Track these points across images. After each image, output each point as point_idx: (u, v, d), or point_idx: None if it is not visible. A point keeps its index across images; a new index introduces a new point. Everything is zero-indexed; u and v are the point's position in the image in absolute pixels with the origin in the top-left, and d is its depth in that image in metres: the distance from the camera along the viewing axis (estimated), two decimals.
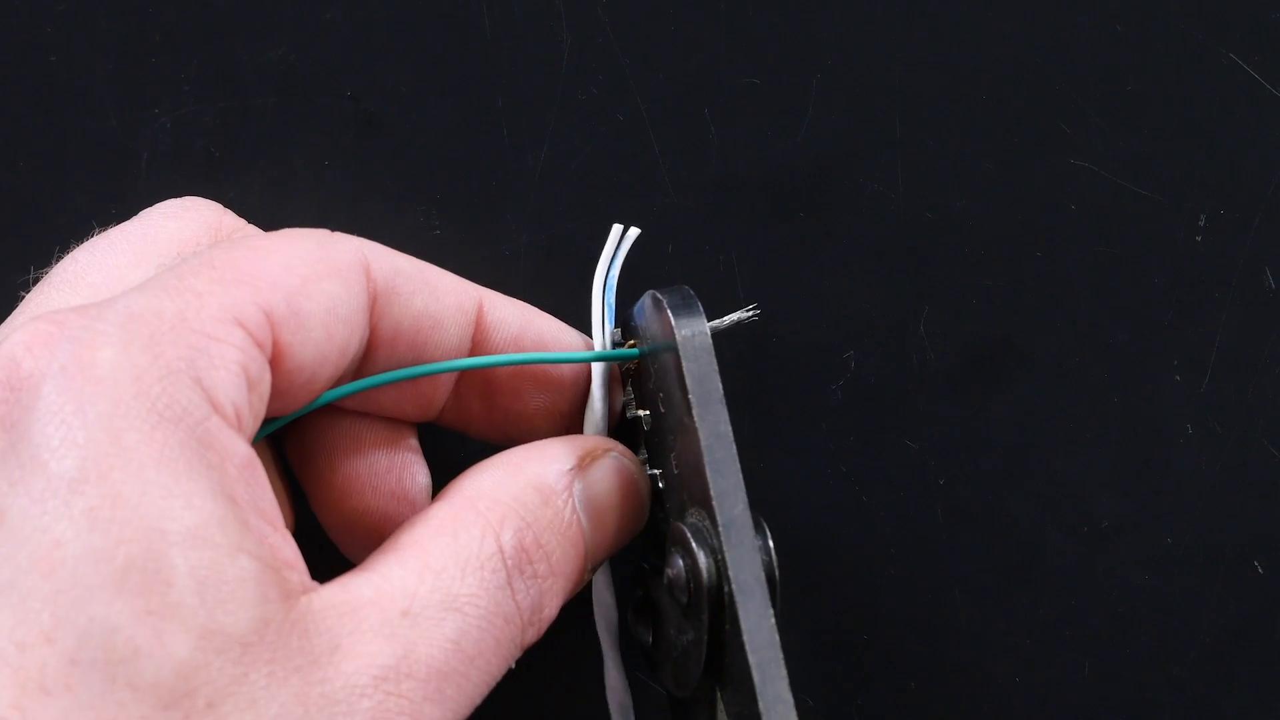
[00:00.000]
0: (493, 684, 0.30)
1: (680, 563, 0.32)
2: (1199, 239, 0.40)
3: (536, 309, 0.36)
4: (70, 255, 0.34)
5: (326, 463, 0.35)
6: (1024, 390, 0.40)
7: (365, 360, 0.33)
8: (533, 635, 0.32)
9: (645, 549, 0.36)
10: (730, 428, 0.32)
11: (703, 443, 0.32)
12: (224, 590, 0.27)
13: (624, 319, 0.36)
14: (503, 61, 0.40)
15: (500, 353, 0.35)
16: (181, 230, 0.34)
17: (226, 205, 0.36)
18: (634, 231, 0.36)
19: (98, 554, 0.26)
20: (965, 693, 0.40)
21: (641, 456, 0.35)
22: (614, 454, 0.34)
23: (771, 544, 0.32)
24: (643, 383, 0.35)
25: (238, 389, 0.29)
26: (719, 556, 0.31)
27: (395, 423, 0.36)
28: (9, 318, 0.33)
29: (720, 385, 0.32)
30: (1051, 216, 0.40)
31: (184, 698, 0.26)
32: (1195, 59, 0.39)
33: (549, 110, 0.40)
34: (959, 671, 0.40)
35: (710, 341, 0.32)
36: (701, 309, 0.33)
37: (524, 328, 0.35)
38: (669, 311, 0.33)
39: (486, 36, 0.40)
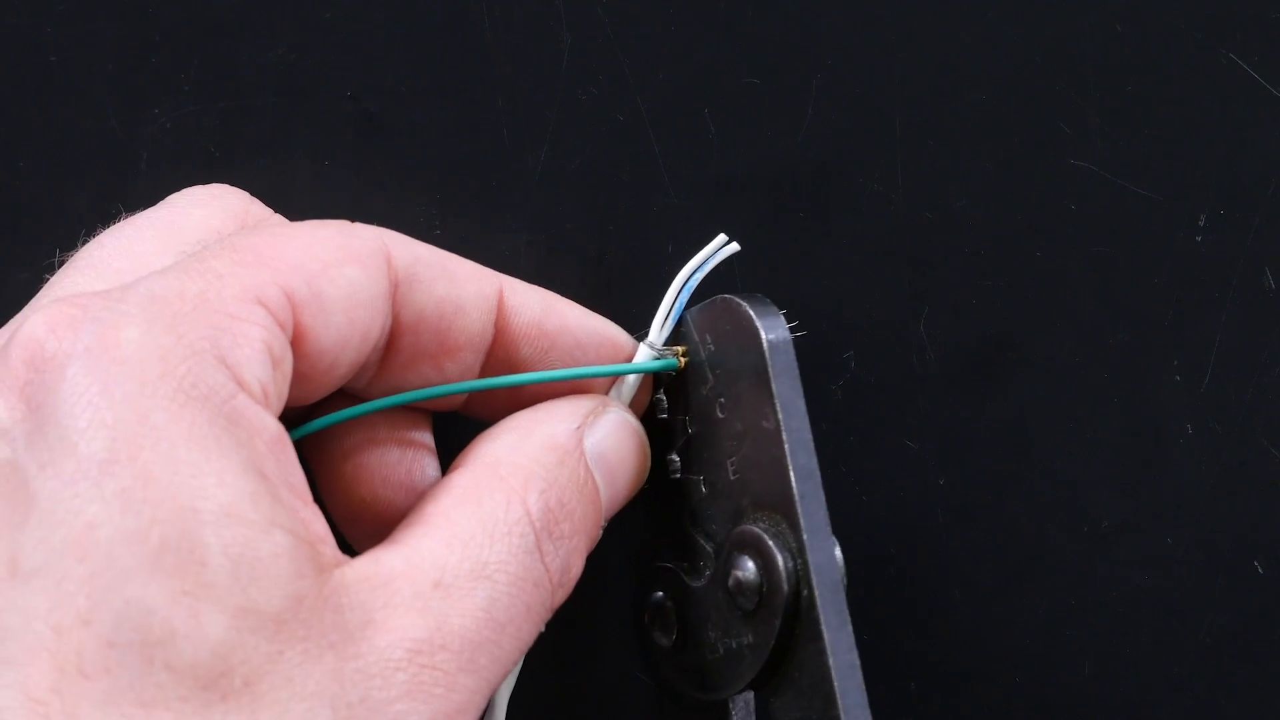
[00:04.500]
0: (525, 649, 0.31)
1: (751, 565, 0.32)
2: (1199, 239, 0.40)
3: (557, 295, 0.36)
4: (96, 240, 0.34)
5: (339, 449, 0.35)
6: (1024, 390, 0.40)
7: (390, 348, 0.34)
8: (561, 596, 0.32)
9: (660, 550, 0.36)
10: (811, 433, 0.32)
11: (788, 448, 0.32)
12: (258, 568, 0.27)
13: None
14: (503, 61, 0.40)
15: (523, 338, 0.35)
16: (209, 218, 0.34)
17: None
18: (734, 246, 0.36)
19: (131, 535, 0.26)
20: (965, 693, 0.40)
21: (674, 461, 0.35)
22: (614, 409, 0.34)
23: (840, 553, 0.32)
24: (691, 387, 0.35)
25: (263, 366, 0.29)
26: (798, 561, 0.31)
27: (411, 413, 0.36)
28: (32, 300, 0.33)
29: (802, 390, 0.32)
30: (1051, 216, 0.40)
31: (221, 677, 0.26)
32: (1195, 59, 0.39)
33: (549, 110, 0.40)
34: (959, 671, 0.40)
35: (793, 347, 0.33)
36: (781, 313, 0.33)
37: (546, 313, 0.35)
38: (753, 314, 0.33)
39: (486, 36, 0.40)
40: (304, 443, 0.36)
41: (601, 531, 0.34)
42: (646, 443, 0.35)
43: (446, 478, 0.32)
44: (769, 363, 0.32)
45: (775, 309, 0.33)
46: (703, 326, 0.35)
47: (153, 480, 0.27)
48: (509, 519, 0.31)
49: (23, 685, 0.26)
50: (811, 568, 0.31)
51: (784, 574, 0.32)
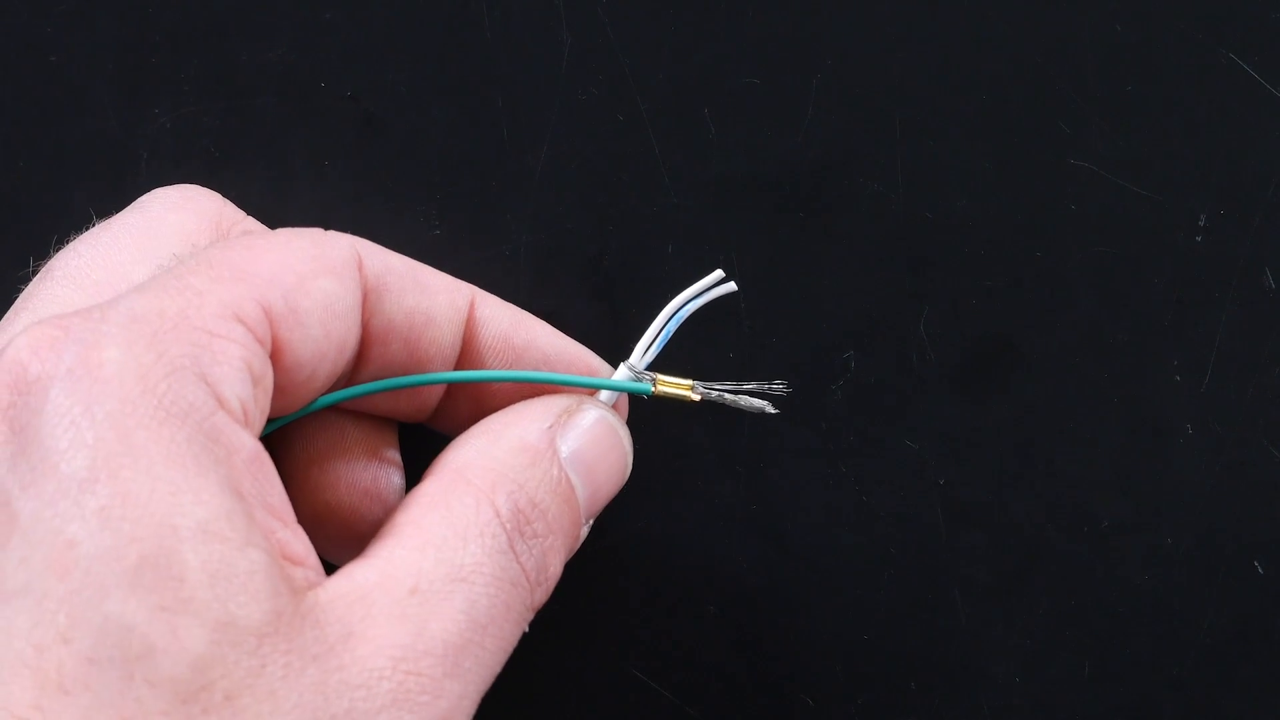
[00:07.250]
0: (509, 650, 0.31)
1: None
2: (1199, 239, 0.40)
3: (531, 315, 0.36)
4: (71, 248, 0.34)
5: (306, 455, 0.35)
6: (1024, 390, 0.40)
7: (359, 357, 0.34)
8: (541, 596, 0.32)
9: None
10: None
11: None
12: (236, 583, 0.27)
13: None
14: (503, 61, 0.40)
15: (490, 349, 0.35)
16: (184, 223, 0.34)
17: None
18: (730, 286, 0.35)
19: (110, 552, 0.26)
20: (965, 693, 0.40)
21: None
22: (591, 406, 0.34)
23: None
24: None
25: (242, 384, 0.29)
26: None
27: (378, 425, 0.36)
28: (9, 312, 0.33)
29: None
30: (1051, 216, 0.40)
31: (201, 691, 0.26)
32: (1195, 59, 0.39)
33: (549, 110, 0.40)
34: (959, 671, 0.40)
35: None
36: None
37: (515, 327, 0.36)
38: None
39: (486, 36, 0.40)
40: (273, 447, 0.36)
41: (586, 530, 0.34)
42: (628, 440, 0.35)
43: (416, 487, 0.32)
44: None
45: None
46: None
47: (131, 498, 0.27)
48: (479, 520, 0.31)
49: (4, 702, 0.26)
50: None
51: None
